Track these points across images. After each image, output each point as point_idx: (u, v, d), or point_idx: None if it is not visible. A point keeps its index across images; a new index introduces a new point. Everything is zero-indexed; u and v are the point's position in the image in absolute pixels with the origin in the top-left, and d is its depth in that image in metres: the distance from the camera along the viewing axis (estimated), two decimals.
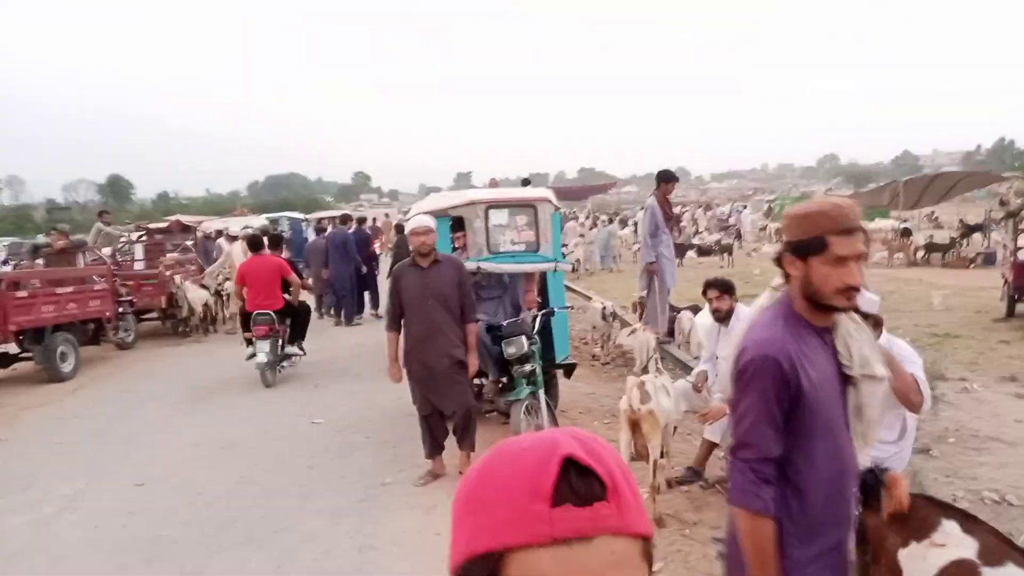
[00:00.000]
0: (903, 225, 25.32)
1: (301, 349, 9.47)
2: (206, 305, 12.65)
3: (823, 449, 2.04)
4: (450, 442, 5.64)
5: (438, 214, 6.35)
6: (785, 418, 1.99)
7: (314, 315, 11.12)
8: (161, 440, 6.92)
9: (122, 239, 14.22)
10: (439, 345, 5.30)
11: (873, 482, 3.44)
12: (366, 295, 14.05)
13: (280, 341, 9.00)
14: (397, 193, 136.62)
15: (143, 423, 7.52)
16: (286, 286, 9.05)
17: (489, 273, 6.07)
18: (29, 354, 9.73)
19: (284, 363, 9.23)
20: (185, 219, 18.03)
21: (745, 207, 41.54)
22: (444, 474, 5.60)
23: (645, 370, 5.23)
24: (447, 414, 5.50)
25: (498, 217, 6.13)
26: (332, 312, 14.04)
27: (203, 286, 12.66)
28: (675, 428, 5.57)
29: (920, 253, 22.71)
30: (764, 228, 35.32)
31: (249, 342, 8.85)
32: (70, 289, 10.10)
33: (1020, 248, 12.55)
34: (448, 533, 0.74)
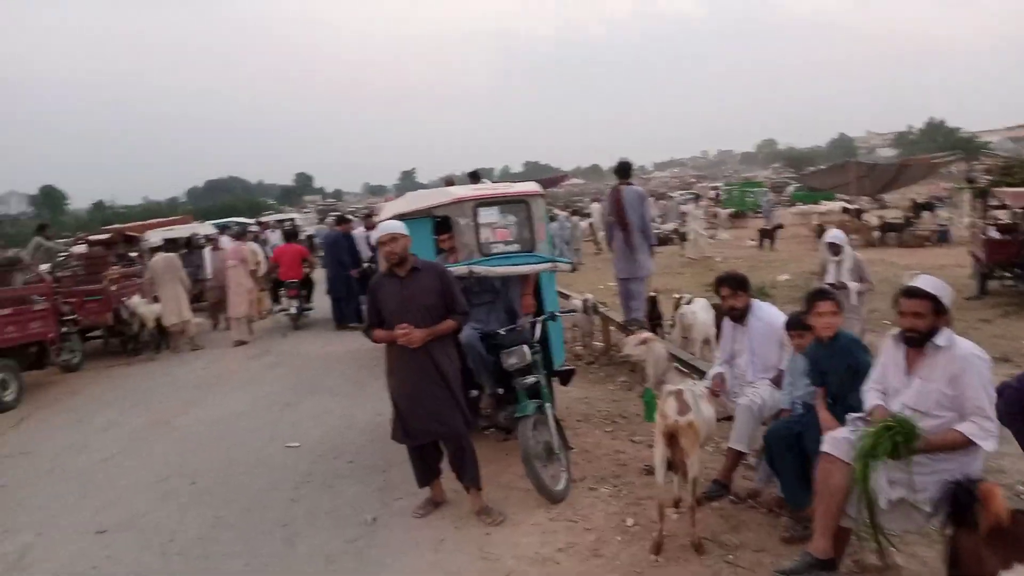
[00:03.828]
0: (854, 206, 25.54)
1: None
2: (159, 320, 11.82)
3: None
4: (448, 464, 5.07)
5: (417, 215, 5.82)
6: None
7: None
8: (121, 476, 6.24)
9: (62, 254, 13.27)
10: (423, 363, 4.66)
11: (965, 496, 3.02)
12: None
13: (300, 301, 13.33)
14: (341, 193, 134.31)
15: (99, 457, 6.80)
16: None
17: (480, 277, 5.53)
18: None
19: (305, 313, 13.55)
20: (124, 228, 17.04)
21: (697, 196, 41.73)
22: (445, 501, 5.07)
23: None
24: (437, 438, 4.90)
25: (488, 215, 5.60)
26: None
27: (155, 299, 11.83)
28: None
29: (876, 233, 22.80)
30: (716, 215, 35.51)
31: (276, 300, 14.09)
32: (7, 311, 9.26)
33: (990, 226, 12.55)
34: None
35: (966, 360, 3.32)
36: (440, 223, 5.91)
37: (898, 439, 3.22)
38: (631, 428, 6.43)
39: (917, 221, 24.57)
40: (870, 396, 3.64)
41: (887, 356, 3.64)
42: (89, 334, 12.04)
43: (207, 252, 13.98)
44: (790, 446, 4.15)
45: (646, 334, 5.84)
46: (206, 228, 16.91)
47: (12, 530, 5.26)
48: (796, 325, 4.48)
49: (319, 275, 13.98)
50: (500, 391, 5.55)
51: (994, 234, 12.04)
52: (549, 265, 5.74)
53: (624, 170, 8.93)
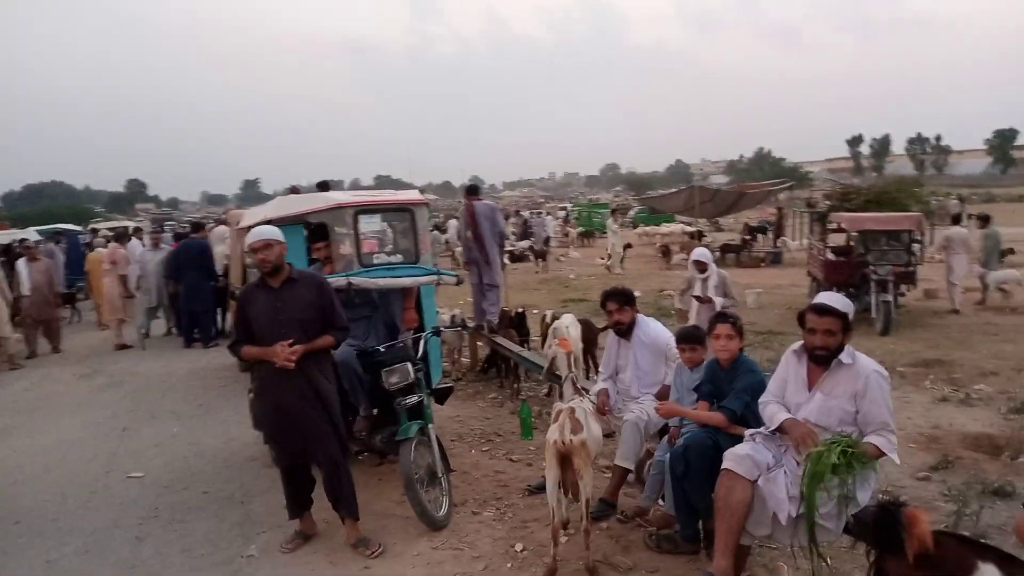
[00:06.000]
0: (694, 229, 26.84)
1: None
2: None
3: None
4: (319, 493, 4.62)
5: (289, 221, 5.39)
6: None
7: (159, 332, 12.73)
8: None
9: None
10: (296, 383, 4.21)
11: (888, 520, 2.93)
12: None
13: None
14: (178, 202, 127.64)
15: None
16: None
17: (358, 290, 5.15)
18: None
19: None
20: None
21: (548, 214, 42.55)
22: (316, 533, 4.65)
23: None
24: (309, 464, 4.50)
25: (369, 224, 5.24)
26: (176, 332, 12.50)
27: None
28: None
29: (716, 254, 23.95)
30: (567, 234, 36.34)
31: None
32: None
33: (828, 247, 13.40)
34: None
35: (869, 377, 3.35)
36: (315, 231, 5.50)
37: (846, 451, 3.21)
38: (507, 447, 6.24)
39: (753, 243, 26.15)
40: (774, 409, 3.60)
41: (787, 370, 3.63)
42: None
43: (22, 264, 12.31)
44: (708, 455, 3.98)
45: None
46: (31, 235, 15.25)
47: None
48: (688, 339, 4.45)
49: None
50: (375, 412, 5.20)
51: (831, 255, 12.84)
52: (434, 278, 5.45)
53: (474, 189, 9.51)
